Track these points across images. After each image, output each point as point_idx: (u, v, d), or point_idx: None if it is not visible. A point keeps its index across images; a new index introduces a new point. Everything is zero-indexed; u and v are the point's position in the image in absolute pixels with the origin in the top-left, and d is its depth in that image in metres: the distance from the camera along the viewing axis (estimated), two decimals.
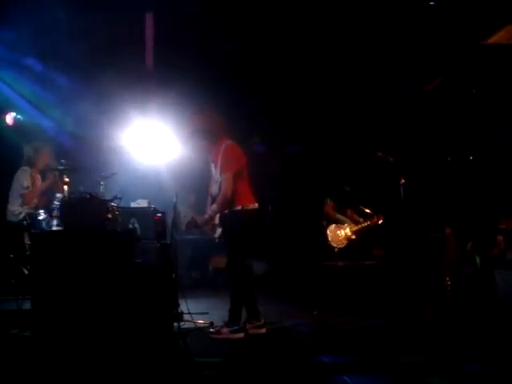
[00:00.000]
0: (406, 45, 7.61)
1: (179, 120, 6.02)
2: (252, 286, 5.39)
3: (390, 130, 8.45)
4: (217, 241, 5.55)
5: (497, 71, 4.66)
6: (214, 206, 5.29)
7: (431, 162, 7.82)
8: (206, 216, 5.36)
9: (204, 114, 5.50)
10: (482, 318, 5.22)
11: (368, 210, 7.22)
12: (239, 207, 5.30)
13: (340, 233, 7.18)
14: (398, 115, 8.47)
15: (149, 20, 8.23)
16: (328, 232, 7.18)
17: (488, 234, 6.37)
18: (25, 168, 6.71)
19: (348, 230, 7.16)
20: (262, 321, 5.33)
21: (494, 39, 6.86)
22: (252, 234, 5.41)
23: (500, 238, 6.03)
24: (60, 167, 5.94)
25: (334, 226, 7.22)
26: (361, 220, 7.26)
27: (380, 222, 7.13)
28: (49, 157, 6.77)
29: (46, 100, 7.93)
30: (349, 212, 7.41)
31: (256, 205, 5.41)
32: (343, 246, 7.09)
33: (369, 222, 7.17)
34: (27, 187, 6.62)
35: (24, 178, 6.65)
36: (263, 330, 5.30)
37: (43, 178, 6.84)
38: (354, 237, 7.12)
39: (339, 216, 7.34)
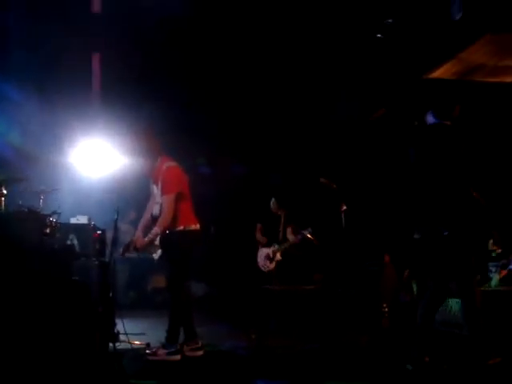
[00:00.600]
0: (351, 74, 7.80)
1: (121, 138, 5.98)
2: (189, 307, 5.35)
3: (334, 156, 8.60)
4: (156, 261, 5.50)
5: (438, 104, 4.89)
6: (155, 229, 5.24)
7: (372, 189, 7.99)
8: (147, 239, 5.29)
9: (141, 134, 5.48)
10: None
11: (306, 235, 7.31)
12: (180, 228, 5.28)
13: (266, 255, 7.27)
14: (342, 142, 8.64)
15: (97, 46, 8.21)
16: (258, 255, 7.27)
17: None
18: None
19: (273, 252, 7.24)
20: (200, 343, 5.28)
21: (437, 73, 7.11)
22: (192, 255, 5.39)
23: None
24: None
25: (261, 249, 7.30)
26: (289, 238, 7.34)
27: (309, 236, 7.19)
28: None
29: None
30: (289, 233, 7.48)
31: (197, 226, 5.40)
32: (271, 268, 7.17)
33: (291, 242, 7.23)
34: None
35: None
36: (200, 353, 5.25)
37: None
38: (278, 258, 7.19)
39: (263, 239, 7.43)
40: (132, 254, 8.40)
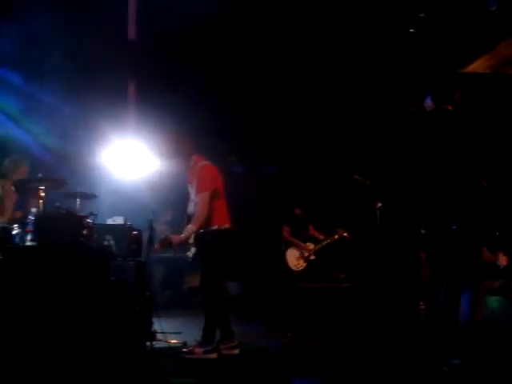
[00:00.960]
0: (384, 69, 7.73)
1: (156, 139, 6.04)
2: (225, 306, 5.37)
3: (368, 153, 8.53)
4: (190, 260, 5.54)
5: (473, 99, 4.79)
6: (190, 226, 5.27)
7: (407, 185, 7.89)
8: (182, 236, 5.32)
9: (173, 136, 5.52)
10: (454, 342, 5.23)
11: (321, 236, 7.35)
12: (214, 227, 5.31)
13: (298, 255, 7.27)
14: (376, 139, 8.57)
15: (131, 33, 8.29)
16: (287, 256, 7.28)
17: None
18: None
19: (305, 252, 7.24)
20: (236, 342, 5.30)
21: (472, 67, 7.00)
22: (226, 255, 5.41)
23: None
24: (37, 181, 5.89)
25: (291, 249, 7.31)
26: (322, 238, 7.36)
27: (345, 235, 7.19)
28: (26, 171, 6.72)
29: (24, 113, 7.89)
30: (311, 231, 7.50)
31: (231, 225, 5.42)
32: (303, 268, 7.17)
33: (329, 240, 7.26)
34: None
35: None
36: (236, 351, 5.27)
37: (18, 192, 6.77)
38: (312, 257, 7.19)
39: (295, 240, 7.43)
40: (168, 254, 8.56)
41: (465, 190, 4.20)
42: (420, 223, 4.48)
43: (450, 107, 4.33)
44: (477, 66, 6.96)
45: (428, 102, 4.47)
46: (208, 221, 5.29)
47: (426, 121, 4.41)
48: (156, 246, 5.45)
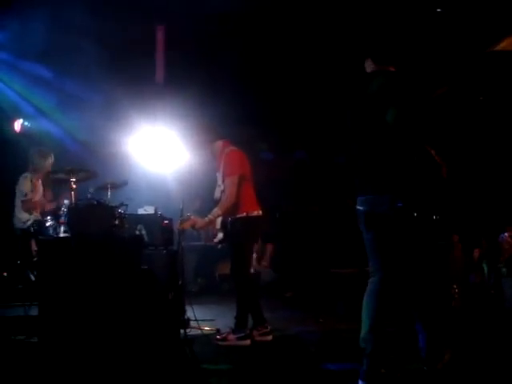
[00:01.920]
0: (411, 51, 7.61)
1: (185, 127, 6.05)
2: (256, 293, 5.39)
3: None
4: (219, 246, 5.56)
5: (504, 78, 4.68)
6: (216, 209, 5.23)
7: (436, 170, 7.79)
8: (206, 219, 5.29)
9: (200, 125, 5.51)
10: (490, 326, 5.20)
11: None
12: (243, 214, 5.28)
13: None
14: None
15: (160, 31, 8.30)
16: None
17: (495, 241, 6.34)
18: (25, 175, 6.72)
19: None
20: (269, 328, 5.32)
21: (502, 46, 6.87)
22: (256, 241, 5.40)
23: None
24: (68, 173, 5.97)
25: None
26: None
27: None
28: (51, 164, 6.82)
29: (54, 106, 7.98)
30: None
31: (260, 212, 5.38)
32: None
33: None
34: (26, 194, 6.63)
35: (23, 185, 6.66)
36: (269, 337, 5.30)
37: (46, 185, 6.89)
38: None
39: None
40: (199, 242, 8.62)
41: (406, 160, 3.61)
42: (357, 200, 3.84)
43: (392, 68, 3.90)
44: (507, 44, 6.82)
45: (368, 64, 4.06)
46: (236, 207, 5.25)
47: (365, 82, 3.95)
48: (178, 225, 5.43)
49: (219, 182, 5.41)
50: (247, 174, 5.39)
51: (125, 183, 6.27)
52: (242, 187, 5.27)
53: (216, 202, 5.38)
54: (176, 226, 5.51)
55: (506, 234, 6.53)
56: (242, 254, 5.30)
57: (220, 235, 5.41)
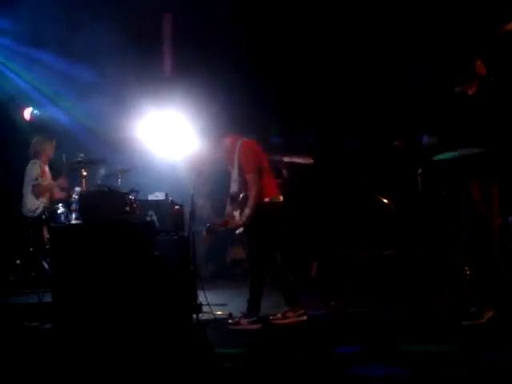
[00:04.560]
0: (420, 32, 7.55)
1: (196, 112, 6.05)
2: (285, 273, 5.44)
3: (408, 119, 8.40)
4: (237, 233, 5.57)
5: None
6: (247, 211, 5.25)
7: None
8: (239, 221, 5.34)
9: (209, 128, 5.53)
10: (501, 308, 5.17)
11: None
12: (266, 199, 5.31)
13: None
14: (416, 105, 8.41)
15: (167, 15, 8.29)
16: None
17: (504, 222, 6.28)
18: (34, 161, 6.81)
19: None
20: (304, 309, 5.37)
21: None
22: (277, 227, 5.41)
23: None
24: (77, 162, 6.01)
25: None
26: None
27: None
28: (51, 150, 6.88)
29: (62, 94, 8.00)
30: None
31: (281, 198, 5.42)
32: None
33: None
34: (36, 179, 6.70)
35: (33, 170, 6.74)
36: (305, 318, 5.34)
37: (52, 171, 6.95)
38: None
39: None
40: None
41: None
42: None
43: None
44: None
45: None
46: (259, 197, 5.29)
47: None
48: (205, 234, 5.46)
49: (234, 176, 5.42)
50: (264, 163, 5.42)
51: (135, 168, 6.28)
52: (260, 177, 5.31)
53: (232, 197, 5.42)
54: (203, 234, 5.53)
55: None
56: (263, 239, 5.30)
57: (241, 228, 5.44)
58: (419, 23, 7.58)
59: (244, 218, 5.28)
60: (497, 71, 4.68)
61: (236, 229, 5.46)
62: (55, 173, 6.98)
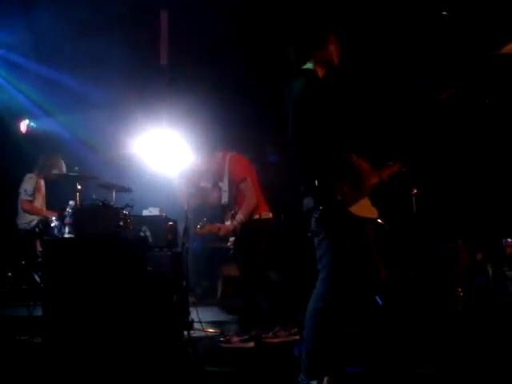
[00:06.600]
0: (418, 54, 7.61)
1: (191, 129, 6.06)
2: (278, 292, 5.47)
3: (403, 139, 8.43)
4: (231, 252, 5.55)
5: (508, 81, 4.68)
6: (240, 216, 5.26)
7: (443, 172, 7.80)
8: (231, 226, 5.33)
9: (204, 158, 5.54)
10: (495, 330, 5.18)
11: None
12: (256, 216, 5.31)
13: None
14: (411, 125, 8.45)
15: (163, 21, 8.31)
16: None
17: (498, 244, 6.32)
18: (30, 175, 6.80)
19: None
20: (296, 328, 5.32)
21: (507, 49, 6.84)
22: (266, 244, 5.40)
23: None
24: (71, 177, 6.00)
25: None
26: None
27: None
28: (60, 166, 6.85)
29: (59, 107, 8.00)
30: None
31: (270, 214, 5.42)
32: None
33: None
34: (30, 194, 6.68)
35: (28, 184, 6.73)
36: (297, 337, 5.29)
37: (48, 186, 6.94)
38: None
39: None
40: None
41: None
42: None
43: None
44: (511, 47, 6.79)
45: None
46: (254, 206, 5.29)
47: None
48: (196, 229, 5.41)
49: (224, 188, 5.43)
50: (253, 178, 5.41)
51: (129, 190, 6.28)
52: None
53: (224, 207, 5.40)
54: (194, 230, 5.52)
55: (509, 239, 6.52)
56: (254, 256, 5.30)
57: (231, 238, 5.42)
58: (414, 45, 7.65)
59: (235, 223, 5.27)
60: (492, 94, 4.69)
61: (227, 234, 5.42)
62: (52, 186, 6.97)
